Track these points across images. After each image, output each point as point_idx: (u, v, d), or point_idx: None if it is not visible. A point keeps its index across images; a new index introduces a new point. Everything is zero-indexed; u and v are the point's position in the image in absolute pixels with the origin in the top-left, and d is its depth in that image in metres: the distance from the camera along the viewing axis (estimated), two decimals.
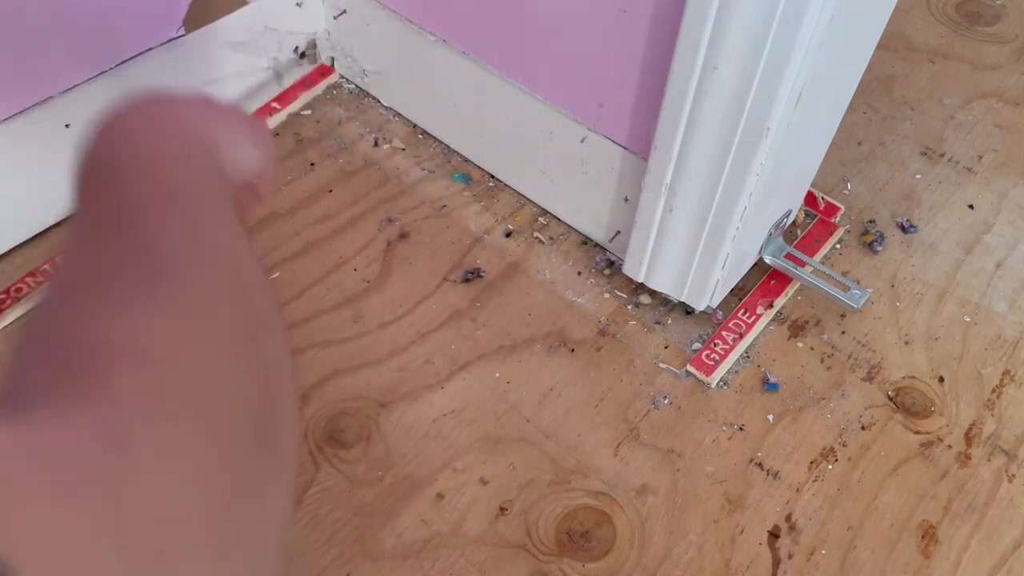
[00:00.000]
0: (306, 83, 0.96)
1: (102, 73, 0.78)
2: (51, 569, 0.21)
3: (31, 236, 0.82)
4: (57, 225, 0.83)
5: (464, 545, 0.66)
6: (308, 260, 0.83)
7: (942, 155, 0.97)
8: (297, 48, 0.94)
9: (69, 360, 0.27)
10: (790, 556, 0.67)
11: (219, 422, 0.28)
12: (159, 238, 0.31)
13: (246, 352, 0.31)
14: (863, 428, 0.74)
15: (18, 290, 0.77)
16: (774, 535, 0.68)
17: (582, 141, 0.78)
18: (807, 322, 0.81)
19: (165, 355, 0.27)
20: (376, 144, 0.93)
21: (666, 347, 0.79)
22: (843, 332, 0.80)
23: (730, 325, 0.79)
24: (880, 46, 0.73)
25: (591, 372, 0.76)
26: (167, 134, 0.36)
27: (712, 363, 0.77)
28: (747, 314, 0.80)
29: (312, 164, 0.91)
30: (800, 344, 0.80)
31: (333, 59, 0.99)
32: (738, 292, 0.82)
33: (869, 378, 0.77)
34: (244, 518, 0.28)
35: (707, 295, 0.76)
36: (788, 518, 0.69)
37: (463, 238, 0.86)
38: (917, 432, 0.74)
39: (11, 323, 0.76)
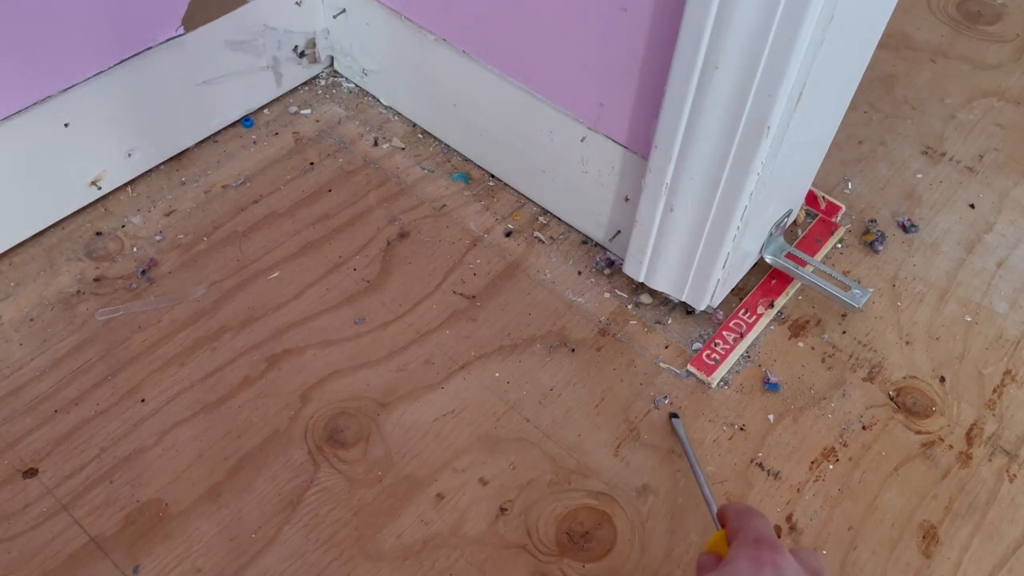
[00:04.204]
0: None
1: (101, 72, 0.78)
2: None
3: (31, 236, 0.82)
4: (56, 225, 0.83)
5: (464, 545, 0.66)
6: (308, 260, 0.83)
7: (943, 154, 0.97)
8: (296, 47, 0.94)
9: None
10: None
11: None
12: None
13: None
14: (864, 428, 0.74)
15: None
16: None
17: (582, 140, 0.78)
18: (808, 322, 0.81)
19: None
20: (376, 143, 0.93)
21: (666, 347, 0.78)
22: (844, 332, 0.80)
23: (731, 325, 0.79)
24: (881, 45, 0.73)
25: (591, 372, 0.76)
26: None
27: (713, 363, 0.77)
28: (748, 314, 0.80)
29: (312, 164, 0.91)
30: (801, 344, 0.79)
31: (332, 58, 0.98)
32: (739, 292, 0.82)
33: (870, 378, 0.77)
34: None
35: (708, 295, 0.76)
36: (789, 518, 0.69)
37: (463, 238, 0.85)
38: (918, 432, 0.74)
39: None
